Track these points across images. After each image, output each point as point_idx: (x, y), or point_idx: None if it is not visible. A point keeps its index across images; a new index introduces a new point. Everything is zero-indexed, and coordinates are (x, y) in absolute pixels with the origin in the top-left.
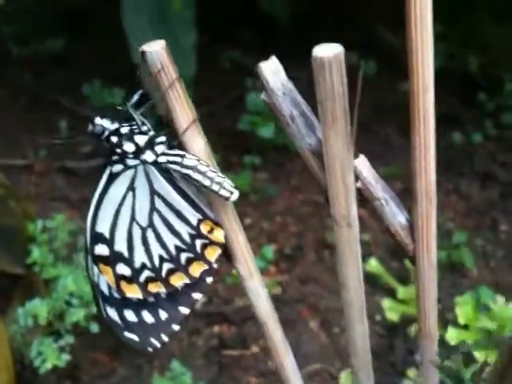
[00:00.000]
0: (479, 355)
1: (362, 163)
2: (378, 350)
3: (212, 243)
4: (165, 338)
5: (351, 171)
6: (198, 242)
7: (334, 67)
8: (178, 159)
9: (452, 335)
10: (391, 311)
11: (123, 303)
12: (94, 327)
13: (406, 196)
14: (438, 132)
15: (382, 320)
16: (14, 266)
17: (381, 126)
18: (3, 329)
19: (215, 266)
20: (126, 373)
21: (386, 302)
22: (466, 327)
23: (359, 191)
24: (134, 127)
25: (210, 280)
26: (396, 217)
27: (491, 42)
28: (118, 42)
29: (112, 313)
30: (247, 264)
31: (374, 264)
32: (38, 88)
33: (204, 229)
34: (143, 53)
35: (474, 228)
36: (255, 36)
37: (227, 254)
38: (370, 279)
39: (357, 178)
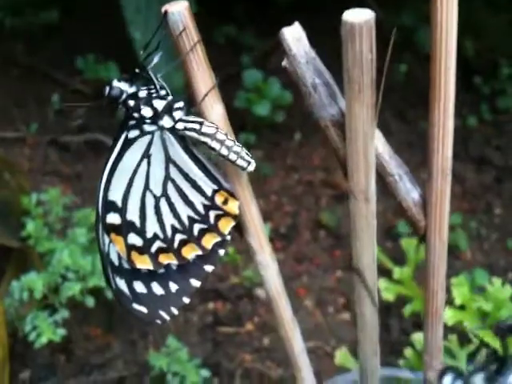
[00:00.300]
0: (475, 336)
1: (377, 138)
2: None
3: (226, 214)
4: (174, 311)
5: (373, 145)
6: (212, 213)
7: (365, 33)
8: (197, 126)
9: (450, 315)
10: (387, 291)
11: (133, 274)
12: (90, 301)
13: None
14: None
15: (378, 300)
16: (8, 239)
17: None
18: None
19: (228, 237)
20: (121, 348)
21: (382, 282)
22: (462, 308)
23: None
24: (152, 91)
25: (222, 252)
26: (409, 193)
27: (487, 29)
28: (113, 16)
29: (121, 284)
30: (259, 237)
31: None
32: (30, 60)
33: (219, 200)
34: (165, 13)
35: (468, 211)
36: (251, 11)
37: (238, 228)
38: None
39: None
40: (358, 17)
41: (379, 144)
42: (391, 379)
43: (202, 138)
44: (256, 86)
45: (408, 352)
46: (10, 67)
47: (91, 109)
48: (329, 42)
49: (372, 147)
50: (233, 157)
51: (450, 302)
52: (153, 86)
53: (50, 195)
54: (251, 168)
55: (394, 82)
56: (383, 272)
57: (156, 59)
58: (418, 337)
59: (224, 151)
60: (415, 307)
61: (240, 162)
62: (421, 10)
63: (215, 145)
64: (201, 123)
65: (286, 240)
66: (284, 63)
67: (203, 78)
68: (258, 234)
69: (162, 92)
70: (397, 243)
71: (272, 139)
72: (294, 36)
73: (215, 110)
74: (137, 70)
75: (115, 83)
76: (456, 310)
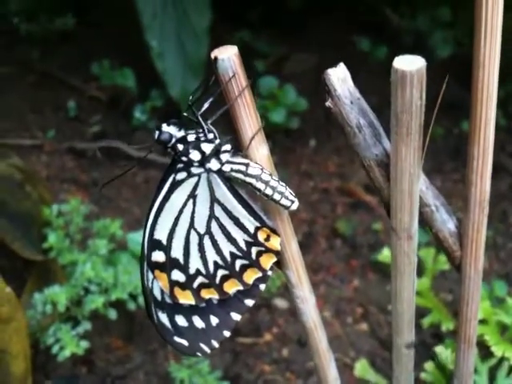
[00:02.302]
0: (496, 350)
1: None
2: (390, 339)
3: (268, 251)
4: (215, 344)
5: (418, 185)
6: (254, 250)
7: (416, 81)
8: (243, 168)
9: None
10: None
11: (175, 308)
12: (113, 314)
13: None
14: (447, 120)
15: None
16: (31, 252)
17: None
18: (22, 316)
19: (269, 273)
20: (141, 359)
21: None
22: (483, 321)
23: None
24: (200, 135)
25: (263, 287)
26: (446, 223)
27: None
28: (129, 22)
29: (163, 317)
30: (297, 272)
31: (386, 253)
32: (46, 66)
33: (261, 236)
34: (215, 59)
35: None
36: (265, 17)
37: (278, 261)
38: (383, 268)
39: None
40: (410, 64)
41: None
42: None
43: (248, 179)
44: (271, 92)
45: (429, 365)
46: (25, 73)
47: (107, 115)
48: (345, 46)
49: (417, 187)
50: (277, 197)
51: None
52: (201, 130)
53: (71, 206)
54: (294, 207)
55: None
56: None
57: (206, 105)
58: (439, 350)
59: (269, 191)
60: (434, 318)
61: (284, 202)
62: (435, 15)
63: (260, 185)
64: (247, 165)
65: (302, 249)
66: (328, 103)
67: (250, 122)
68: (298, 270)
69: (210, 135)
70: None
71: (287, 145)
72: (339, 76)
73: (260, 151)
74: (185, 114)
75: (164, 128)
76: (479, 324)
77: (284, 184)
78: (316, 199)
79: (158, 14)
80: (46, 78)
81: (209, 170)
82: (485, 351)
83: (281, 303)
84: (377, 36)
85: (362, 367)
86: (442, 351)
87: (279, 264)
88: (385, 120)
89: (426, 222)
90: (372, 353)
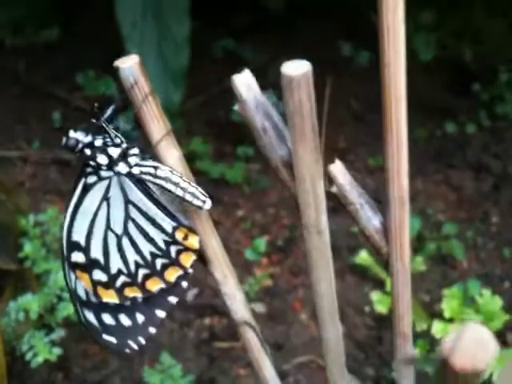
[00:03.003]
0: None
1: (338, 169)
2: (366, 341)
3: (187, 249)
4: (142, 341)
5: (321, 182)
6: (173, 249)
7: (302, 85)
8: (152, 170)
9: (438, 329)
10: (380, 303)
11: (101, 307)
12: None
13: None
14: (431, 123)
15: (371, 311)
16: (6, 261)
17: (374, 116)
18: None
19: (190, 271)
20: (117, 365)
21: (375, 295)
22: (451, 321)
23: (335, 196)
24: (107, 140)
25: (185, 284)
26: (370, 220)
27: (485, 34)
28: (112, 32)
29: (90, 317)
30: (222, 268)
31: (363, 256)
32: (31, 78)
33: (179, 235)
34: (117, 68)
35: (465, 220)
36: (248, 24)
37: (203, 259)
38: (360, 271)
39: (332, 183)
40: (296, 70)
41: (340, 176)
42: None
43: (158, 181)
44: None
45: (394, 364)
46: (11, 84)
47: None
48: (330, 51)
49: (320, 185)
50: (188, 197)
51: (439, 314)
52: (108, 135)
53: (48, 215)
54: (207, 207)
55: None
56: (377, 284)
57: (109, 111)
58: None
59: (179, 192)
60: None
61: (196, 202)
62: (418, 19)
63: (170, 187)
64: (156, 167)
65: (282, 253)
66: (236, 107)
67: (157, 126)
68: (221, 266)
69: (117, 140)
70: None
71: None
72: (245, 83)
73: (170, 154)
74: (93, 121)
75: (71, 134)
76: (445, 322)
77: (195, 185)
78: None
79: (138, 23)
80: (31, 89)
81: (118, 174)
82: None
83: (258, 308)
84: (361, 40)
85: None
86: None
87: (205, 262)
88: (368, 125)
89: (352, 220)
90: (348, 355)
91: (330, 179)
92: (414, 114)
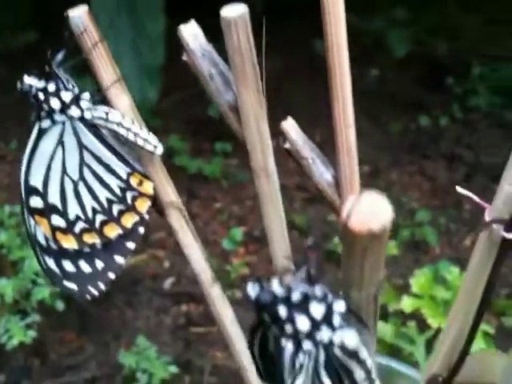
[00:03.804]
0: (433, 322)
1: (290, 125)
2: None
3: (142, 195)
4: (102, 286)
5: (265, 125)
6: (129, 195)
7: (240, 25)
8: (103, 115)
9: (407, 304)
10: None
11: (61, 254)
12: (60, 305)
13: None
14: (405, 116)
15: None
16: None
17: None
18: None
19: (146, 216)
20: (94, 350)
21: None
22: (418, 296)
23: (288, 152)
24: (60, 85)
25: (142, 230)
26: (323, 175)
27: (459, 30)
28: None
29: (51, 263)
30: (178, 218)
31: (337, 241)
32: (10, 80)
33: (133, 181)
34: (67, 17)
35: (438, 207)
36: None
37: (159, 209)
38: (336, 258)
39: (285, 139)
40: (234, 12)
41: (292, 131)
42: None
43: (110, 126)
44: None
45: None
46: None
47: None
48: (307, 49)
49: (264, 126)
50: (140, 142)
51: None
52: (60, 81)
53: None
54: (159, 152)
55: (365, 86)
56: None
57: (60, 56)
58: (379, 325)
59: (131, 137)
60: (381, 300)
61: (147, 147)
62: (392, 14)
63: (122, 131)
64: (107, 112)
65: (259, 243)
66: (183, 57)
67: (107, 72)
68: (178, 215)
69: (69, 85)
70: None
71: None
72: (191, 33)
73: (121, 100)
74: (46, 67)
75: (26, 79)
76: (414, 297)
77: (146, 130)
78: None
79: (113, 21)
80: (11, 92)
81: (71, 118)
82: (422, 324)
83: (237, 294)
84: None
85: None
86: (382, 326)
87: (161, 211)
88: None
89: (306, 175)
90: None
91: (283, 136)
92: (389, 108)
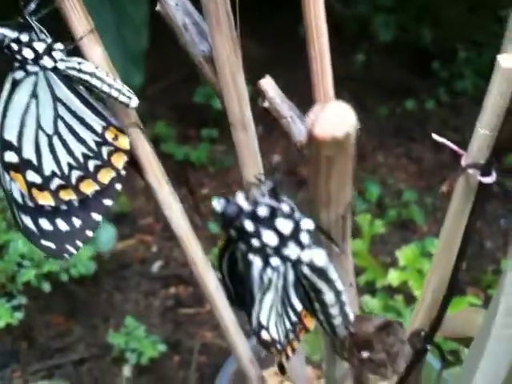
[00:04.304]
0: (419, 294)
1: (268, 83)
2: None
3: (118, 150)
4: (80, 244)
5: (241, 76)
6: (105, 149)
7: None
8: (77, 65)
9: (394, 277)
10: None
11: (38, 212)
12: (46, 286)
13: None
14: (392, 101)
15: None
16: None
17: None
18: None
19: (123, 172)
20: (82, 332)
21: None
22: (404, 269)
23: (267, 110)
24: (33, 35)
25: (119, 186)
26: (301, 133)
27: (444, 17)
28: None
29: (28, 221)
30: (155, 173)
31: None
32: None
33: (109, 136)
34: None
35: (424, 188)
36: None
37: (137, 168)
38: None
39: (264, 97)
40: None
41: (270, 89)
42: None
43: (83, 76)
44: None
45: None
46: None
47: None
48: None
49: (240, 77)
50: (114, 93)
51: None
52: (33, 31)
53: None
54: (133, 104)
55: (351, 71)
56: None
57: (33, 5)
58: (366, 299)
59: (105, 88)
60: (369, 277)
61: (122, 99)
62: (376, 1)
63: (96, 82)
64: (80, 63)
65: None
66: (157, 8)
67: (79, 22)
68: (155, 172)
69: (42, 36)
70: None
71: None
72: None
73: (95, 51)
74: (19, 18)
75: None
76: (400, 271)
77: (120, 82)
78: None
79: (95, 7)
80: None
81: (44, 68)
82: (409, 298)
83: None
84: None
85: None
86: (370, 300)
87: (139, 169)
88: None
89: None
90: None
91: (262, 95)
92: (375, 92)
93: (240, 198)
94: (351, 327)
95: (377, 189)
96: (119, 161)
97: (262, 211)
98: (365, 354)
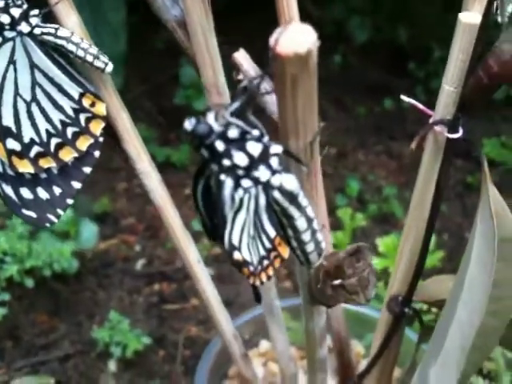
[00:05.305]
0: None
1: (242, 56)
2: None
3: (95, 117)
4: (60, 212)
5: (213, 39)
6: (82, 116)
7: None
8: (52, 31)
9: (375, 263)
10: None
11: (18, 181)
12: (29, 282)
13: None
14: (370, 101)
15: None
16: None
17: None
18: None
19: (101, 139)
20: (66, 329)
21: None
22: (385, 256)
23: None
24: (9, 1)
25: (97, 154)
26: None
27: (419, 17)
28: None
29: (8, 190)
30: (134, 143)
31: None
32: None
33: (86, 102)
34: None
35: (404, 183)
36: None
37: (116, 138)
38: None
39: (238, 70)
40: None
41: (244, 62)
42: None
43: (59, 41)
44: (192, 81)
45: None
46: None
47: None
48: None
49: (212, 40)
50: (89, 58)
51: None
52: None
53: None
54: (109, 69)
55: (330, 73)
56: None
57: None
58: None
59: (80, 53)
60: None
61: (97, 63)
62: (351, 3)
63: (71, 47)
64: (56, 28)
65: None
66: None
67: None
68: (133, 142)
69: (19, 1)
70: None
71: None
72: None
73: (70, 18)
74: None
75: None
76: (381, 258)
77: (96, 47)
78: None
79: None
80: None
81: (21, 33)
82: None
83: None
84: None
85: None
86: None
87: (117, 140)
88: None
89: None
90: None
91: (236, 69)
92: (353, 93)
93: (210, 118)
94: (323, 259)
95: (357, 185)
96: (97, 127)
97: (233, 133)
98: (337, 282)
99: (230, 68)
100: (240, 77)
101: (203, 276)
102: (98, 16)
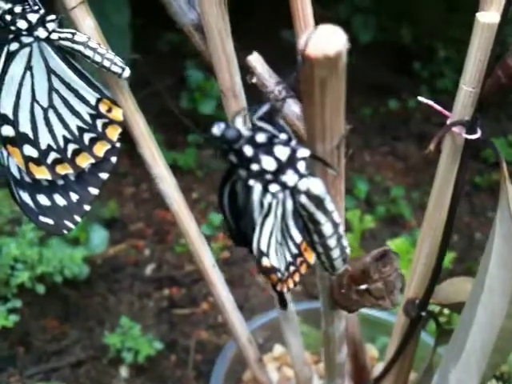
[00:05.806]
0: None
1: (256, 59)
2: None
3: (112, 122)
4: (78, 219)
5: (230, 42)
6: (99, 122)
7: None
8: (69, 36)
9: None
10: None
11: (35, 187)
12: (40, 288)
13: None
14: (375, 101)
15: None
16: None
17: None
18: None
19: (118, 145)
20: (78, 335)
21: None
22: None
23: (255, 85)
24: (26, 7)
25: (114, 159)
26: (290, 107)
27: (423, 17)
28: None
29: (25, 197)
30: (150, 149)
31: None
32: None
33: (103, 108)
34: None
35: (412, 184)
36: None
37: (132, 143)
38: None
39: (252, 73)
40: None
41: (258, 65)
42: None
43: (76, 47)
44: (198, 85)
45: None
46: None
47: None
48: (272, 40)
49: (229, 43)
50: (107, 63)
51: None
52: (27, 2)
53: None
54: (126, 74)
55: None
56: None
57: None
58: None
59: (98, 58)
60: None
61: (114, 69)
62: (355, 2)
63: (89, 52)
64: (73, 33)
65: None
66: None
67: None
68: (149, 146)
69: (35, 7)
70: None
71: None
72: None
73: (86, 23)
74: None
75: None
76: None
77: (113, 53)
78: None
79: None
80: None
81: (38, 39)
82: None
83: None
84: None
85: None
86: None
87: (134, 144)
88: None
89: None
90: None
91: (250, 73)
92: (358, 93)
93: (239, 123)
94: (348, 264)
95: (365, 186)
96: (114, 133)
97: (261, 137)
98: (363, 286)
99: (243, 71)
100: (254, 80)
101: (218, 280)
102: (101, 19)
